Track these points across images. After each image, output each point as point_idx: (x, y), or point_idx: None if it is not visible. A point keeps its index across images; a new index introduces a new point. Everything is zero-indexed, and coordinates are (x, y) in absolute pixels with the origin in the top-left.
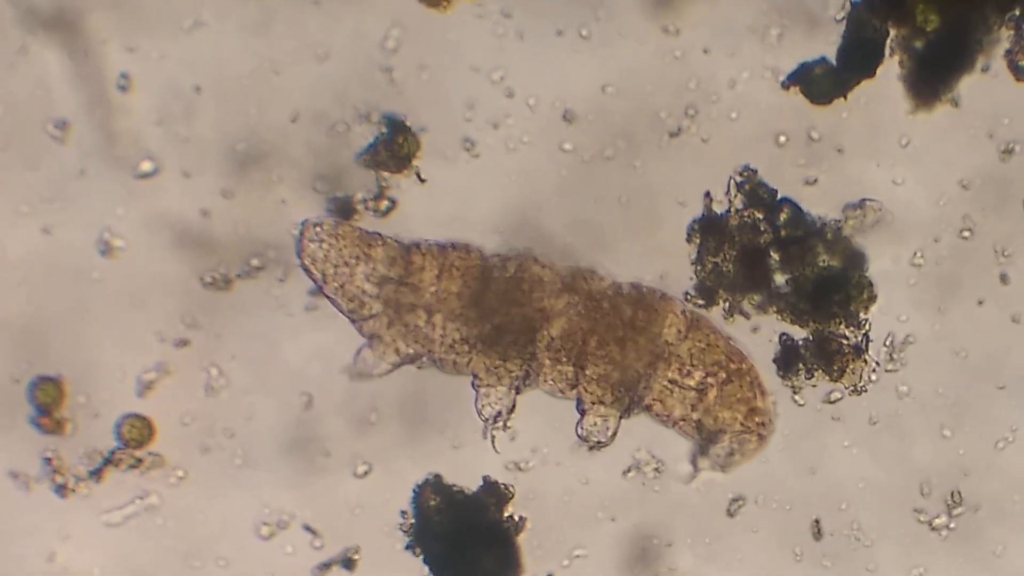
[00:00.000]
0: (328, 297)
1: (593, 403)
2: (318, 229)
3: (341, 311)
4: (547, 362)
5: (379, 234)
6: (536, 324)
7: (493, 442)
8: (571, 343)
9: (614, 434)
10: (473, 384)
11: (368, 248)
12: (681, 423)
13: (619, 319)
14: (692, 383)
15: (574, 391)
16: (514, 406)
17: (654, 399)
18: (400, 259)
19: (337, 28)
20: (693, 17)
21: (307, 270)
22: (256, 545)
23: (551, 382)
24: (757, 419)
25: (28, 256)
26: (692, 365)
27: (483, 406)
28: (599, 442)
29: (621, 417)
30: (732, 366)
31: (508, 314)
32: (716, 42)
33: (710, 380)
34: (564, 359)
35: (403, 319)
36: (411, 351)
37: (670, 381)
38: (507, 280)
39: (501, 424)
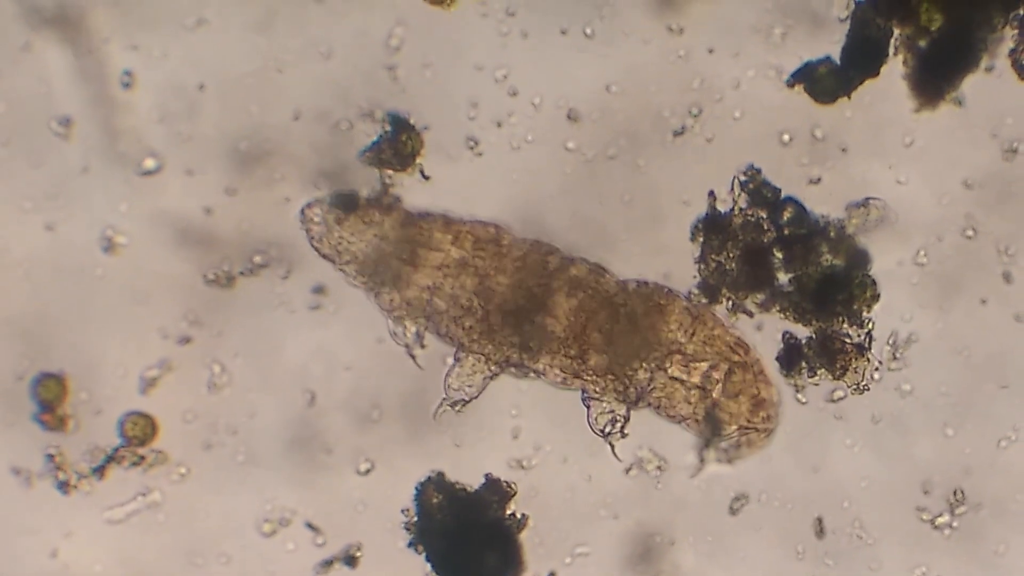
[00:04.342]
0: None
1: (596, 395)
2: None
3: (348, 264)
4: (549, 351)
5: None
6: (539, 312)
7: (447, 407)
8: (574, 334)
9: (624, 425)
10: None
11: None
12: (686, 417)
13: (624, 313)
14: (696, 376)
15: (577, 382)
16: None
17: (658, 393)
18: (410, 223)
19: (340, 26)
20: (697, 16)
21: (307, 229)
22: (258, 542)
23: (556, 372)
24: (762, 413)
25: (31, 253)
26: (697, 359)
27: (452, 380)
28: (609, 433)
29: (629, 409)
30: (736, 358)
31: (513, 296)
32: (720, 41)
33: (715, 374)
34: (567, 349)
35: (413, 281)
36: (423, 313)
37: (674, 375)
38: (516, 262)
39: (460, 401)
